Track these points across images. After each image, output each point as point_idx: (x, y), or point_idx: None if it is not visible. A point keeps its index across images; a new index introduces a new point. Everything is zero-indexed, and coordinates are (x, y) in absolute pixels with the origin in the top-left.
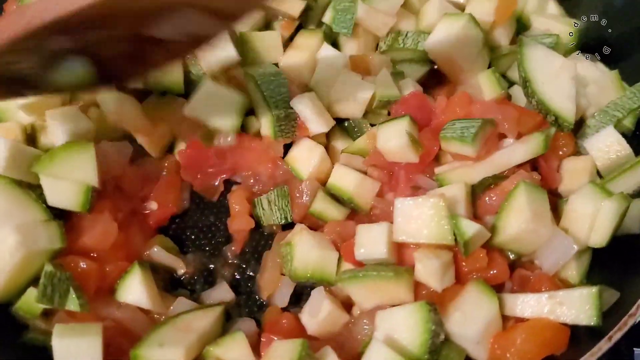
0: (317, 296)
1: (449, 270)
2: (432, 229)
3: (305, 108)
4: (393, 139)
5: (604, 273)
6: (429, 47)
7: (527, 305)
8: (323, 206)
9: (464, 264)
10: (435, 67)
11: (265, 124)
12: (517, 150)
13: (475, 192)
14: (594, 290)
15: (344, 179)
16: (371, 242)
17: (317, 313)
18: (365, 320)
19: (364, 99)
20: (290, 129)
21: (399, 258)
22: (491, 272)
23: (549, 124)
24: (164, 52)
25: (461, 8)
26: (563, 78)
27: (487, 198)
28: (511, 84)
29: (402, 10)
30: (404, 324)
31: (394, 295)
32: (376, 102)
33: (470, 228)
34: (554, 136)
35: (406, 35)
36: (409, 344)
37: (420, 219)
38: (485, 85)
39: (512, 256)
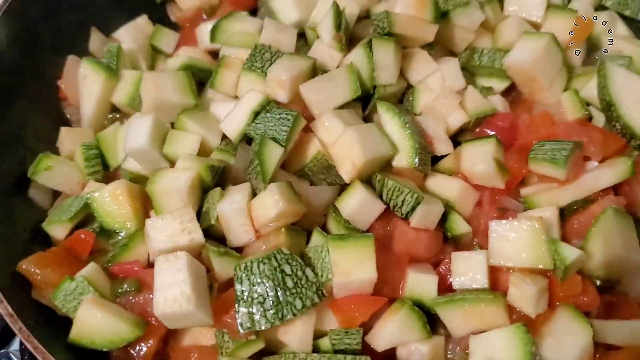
0: None
1: (543, 296)
2: (531, 253)
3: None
4: (479, 163)
5: None
6: (509, 64)
7: (621, 333)
8: None
9: (559, 289)
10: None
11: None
12: (604, 174)
13: (563, 215)
14: None
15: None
16: (469, 270)
17: None
18: (452, 346)
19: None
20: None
21: (492, 282)
22: (582, 299)
23: (631, 148)
24: None
25: (536, 27)
26: None
27: (575, 222)
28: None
29: (479, 28)
30: (503, 347)
31: (490, 320)
32: (472, 122)
33: (571, 253)
34: (636, 159)
35: (482, 52)
36: None
37: (518, 242)
38: (568, 106)
39: (598, 282)
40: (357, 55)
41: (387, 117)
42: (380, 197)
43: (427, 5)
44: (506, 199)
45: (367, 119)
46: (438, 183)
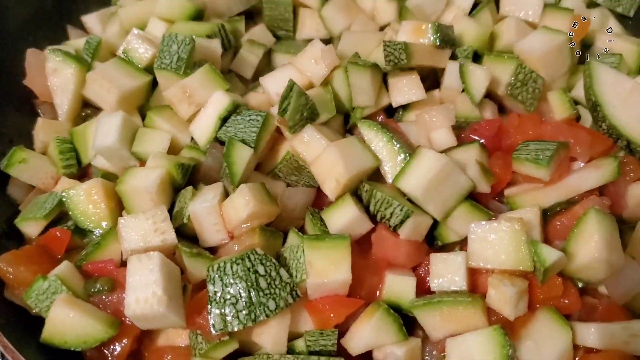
0: None
1: (523, 298)
2: (511, 255)
3: None
4: (464, 168)
5: None
6: (520, 50)
7: (600, 335)
8: None
9: (539, 291)
10: None
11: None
12: (589, 176)
13: (546, 216)
14: None
15: None
16: (448, 272)
17: None
18: (429, 348)
19: None
20: None
21: (471, 284)
22: (563, 301)
23: (617, 149)
24: None
25: (533, 27)
26: (634, 101)
27: (557, 223)
28: (575, 103)
29: None
30: (480, 350)
31: (469, 323)
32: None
33: (551, 255)
34: (622, 161)
35: None
36: None
37: (497, 244)
38: (556, 105)
39: (580, 284)
40: (337, 76)
41: (371, 135)
42: (367, 207)
43: (427, 32)
44: (490, 201)
45: (349, 133)
46: None
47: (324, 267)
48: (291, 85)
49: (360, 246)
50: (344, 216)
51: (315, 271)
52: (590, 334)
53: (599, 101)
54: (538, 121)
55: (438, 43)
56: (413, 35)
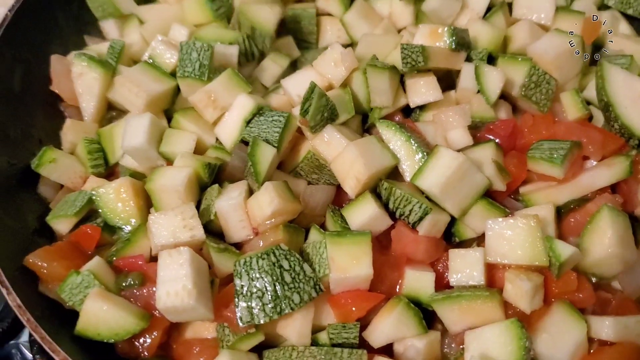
0: None
1: (538, 293)
2: (527, 250)
3: None
4: (480, 166)
5: None
6: (533, 51)
7: (614, 328)
8: None
9: (554, 286)
10: None
11: None
12: (602, 174)
13: (560, 213)
14: None
15: None
16: (466, 267)
17: None
18: (448, 340)
19: None
20: None
21: (488, 279)
22: (577, 295)
23: (629, 148)
24: None
25: (545, 29)
26: None
27: (571, 219)
28: (587, 103)
29: None
30: (498, 342)
31: (486, 316)
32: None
33: (565, 250)
34: (634, 159)
35: None
36: None
37: (513, 240)
38: (568, 105)
39: (593, 279)
40: (356, 78)
41: (389, 135)
42: (387, 204)
43: (443, 35)
44: (505, 199)
45: (367, 133)
46: None
47: (346, 263)
48: (312, 87)
49: (381, 243)
50: (364, 213)
51: (337, 266)
52: (605, 327)
53: (611, 101)
54: (551, 121)
55: (454, 46)
56: (430, 38)
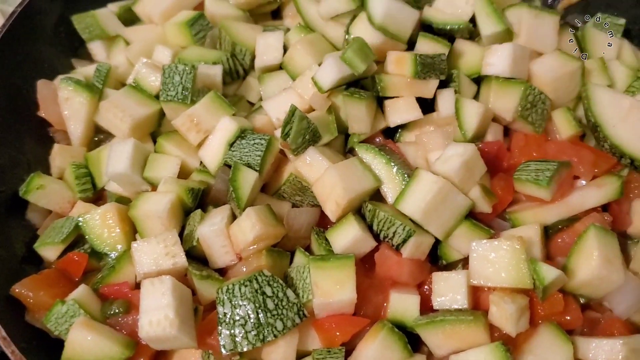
0: None
1: (524, 315)
2: (511, 273)
3: None
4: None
5: None
6: (533, 69)
7: (601, 350)
8: None
9: (540, 308)
10: None
11: None
12: (592, 194)
13: (548, 232)
14: None
15: None
16: (450, 291)
17: None
18: None
19: None
20: None
21: (473, 301)
22: (565, 317)
23: (622, 166)
24: None
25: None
26: (634, 118)
27: (559, 240)
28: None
29: None
30: None
31: (471, 340)
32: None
33: (550, 273)
34: (627, 178)
35: None
36: None
37: (497, 262)
38: (560, 123)
39: (582, 300)
40: (338, 100)
41: (369, 157)
42: (370, 226)
43: (407, 62)
44: (494, 220)
45: (351, 152)
46: None
47: (330, 287)
48: (293, 110)
49: (365, 265)
50: (347, 236)
51: (321, 291)
52: (591, 349)
53: (599, 122)
54: (543, 140)
55: (418, 74)
56: (396, 66)
